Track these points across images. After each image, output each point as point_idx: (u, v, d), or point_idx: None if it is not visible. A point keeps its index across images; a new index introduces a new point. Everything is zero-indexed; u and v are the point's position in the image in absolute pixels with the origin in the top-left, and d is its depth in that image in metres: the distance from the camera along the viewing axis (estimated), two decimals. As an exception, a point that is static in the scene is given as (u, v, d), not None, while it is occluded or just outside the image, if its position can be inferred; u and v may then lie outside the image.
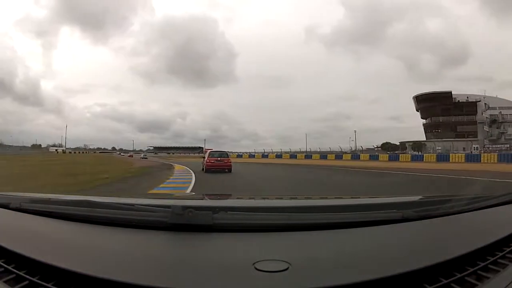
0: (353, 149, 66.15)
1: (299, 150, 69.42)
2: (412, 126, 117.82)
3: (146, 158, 55.43)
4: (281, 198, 1.92)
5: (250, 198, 1.91)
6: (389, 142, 68.81)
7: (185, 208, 0.85)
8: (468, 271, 0.68)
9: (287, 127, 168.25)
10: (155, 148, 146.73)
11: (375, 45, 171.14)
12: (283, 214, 1.02)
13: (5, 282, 0.66)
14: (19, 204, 1.07)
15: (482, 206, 1.11)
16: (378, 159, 43.60)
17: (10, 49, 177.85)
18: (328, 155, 54.96)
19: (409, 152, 53.27)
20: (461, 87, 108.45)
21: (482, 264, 0.71)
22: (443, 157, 36.72)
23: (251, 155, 74.16)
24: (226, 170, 15.07)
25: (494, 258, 0.73)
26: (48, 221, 0.98)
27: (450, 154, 39.77)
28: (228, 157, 16.32)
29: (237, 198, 1.99)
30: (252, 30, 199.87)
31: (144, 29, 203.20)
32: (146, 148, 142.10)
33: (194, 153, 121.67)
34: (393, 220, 0.93)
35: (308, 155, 60.17)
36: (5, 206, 1.10)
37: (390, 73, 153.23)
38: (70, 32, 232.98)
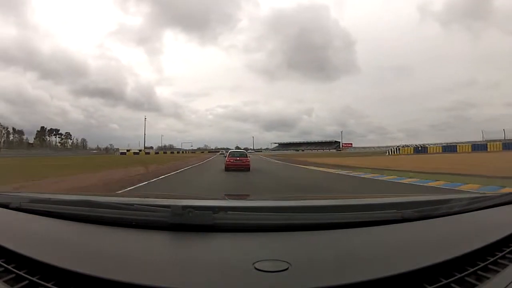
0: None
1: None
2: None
3: (224, 155, 56.10)
4: (281, 198, 1.87)
5: (250, 198, 1.98)
6: None
7: (185, 208, 0.86)
8: (468, 271, 0.68)
9: (412, 119, 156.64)
10: (280, 144, 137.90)
11: (487, 20, 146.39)
12: (283, 214, 1.02)
13: (5, 281, 0.66)
14: (19, 204, 1.08)
15: (482, 206, 1.11)
16: None
17: (113, 59, 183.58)
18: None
19: None
20: None
21: (482, 264, 0.71)
22: None
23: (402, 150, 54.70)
24: (244, 169, 15.83)
25: (494, 258, 0.74)
26: (48, 220, 0.98)
27: None
28: (247, 157, 16.73)
29: (237, 198, 2.04)
30: (366, 15, 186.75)
31: (252, 24, 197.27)
32: (273, 146, 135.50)
33: (329, 149, 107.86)
34: (393, 220, 0.93)
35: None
36: (5, 206, 1.10)
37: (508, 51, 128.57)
38: (173, 36, 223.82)
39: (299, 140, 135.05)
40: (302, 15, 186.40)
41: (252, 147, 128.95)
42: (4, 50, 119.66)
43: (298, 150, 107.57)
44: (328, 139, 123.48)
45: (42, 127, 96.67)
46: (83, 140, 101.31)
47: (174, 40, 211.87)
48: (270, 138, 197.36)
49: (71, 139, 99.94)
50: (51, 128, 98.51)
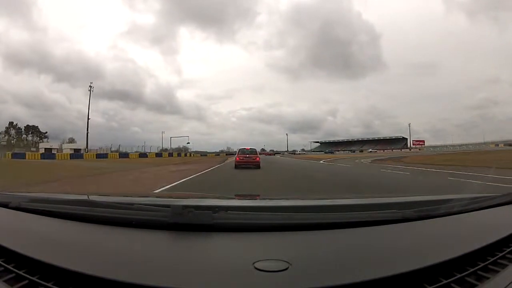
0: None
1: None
2: None
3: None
4: (281, 198, 1.88)
5: (250, 198, 2.02)
6: None
7: (185, 207, 0.86)
8: (468, 271, 0.68)
9: (439, 119, 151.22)
10: (323, 144, 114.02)
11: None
12: (283, 214, 1.02)
13: (5, 281, 0.66)
14: (18, 203, 1.08)
15: (482, 206, 1.11)
16: None
17: (128, 61, 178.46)
18: None
19: None
20: None
21: (482, 264, 0.71)
22: None
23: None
24: (254, 166, 15.72)
25: (494, 258, 0.74)
26: (47, 220, 0.98)
27: None
28: (256, 154, 16.81)
29: (237, 198, 2.04)
30: (389, 7, 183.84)
31: (272, 18, 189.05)
32: (314, 146, 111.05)
33: (401, 148, 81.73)
34: (393, 220, 0.93)
35: None
36: (5, 205, 1.10)
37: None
38: (189, 34, 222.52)
39: (352, 138, 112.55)
40: (323, 7, 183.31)
41: (286, 150, 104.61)
42: (21, 54, 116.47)
43: (353, 151, 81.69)
44: (393, 136, 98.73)
45: (11, 123, 75.46)
46: (71, 140, 79.91)
47: (189, 38, 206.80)
48: (296, 140, 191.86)
49: (46, 137, 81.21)
50: (27, 125, 77.24)
